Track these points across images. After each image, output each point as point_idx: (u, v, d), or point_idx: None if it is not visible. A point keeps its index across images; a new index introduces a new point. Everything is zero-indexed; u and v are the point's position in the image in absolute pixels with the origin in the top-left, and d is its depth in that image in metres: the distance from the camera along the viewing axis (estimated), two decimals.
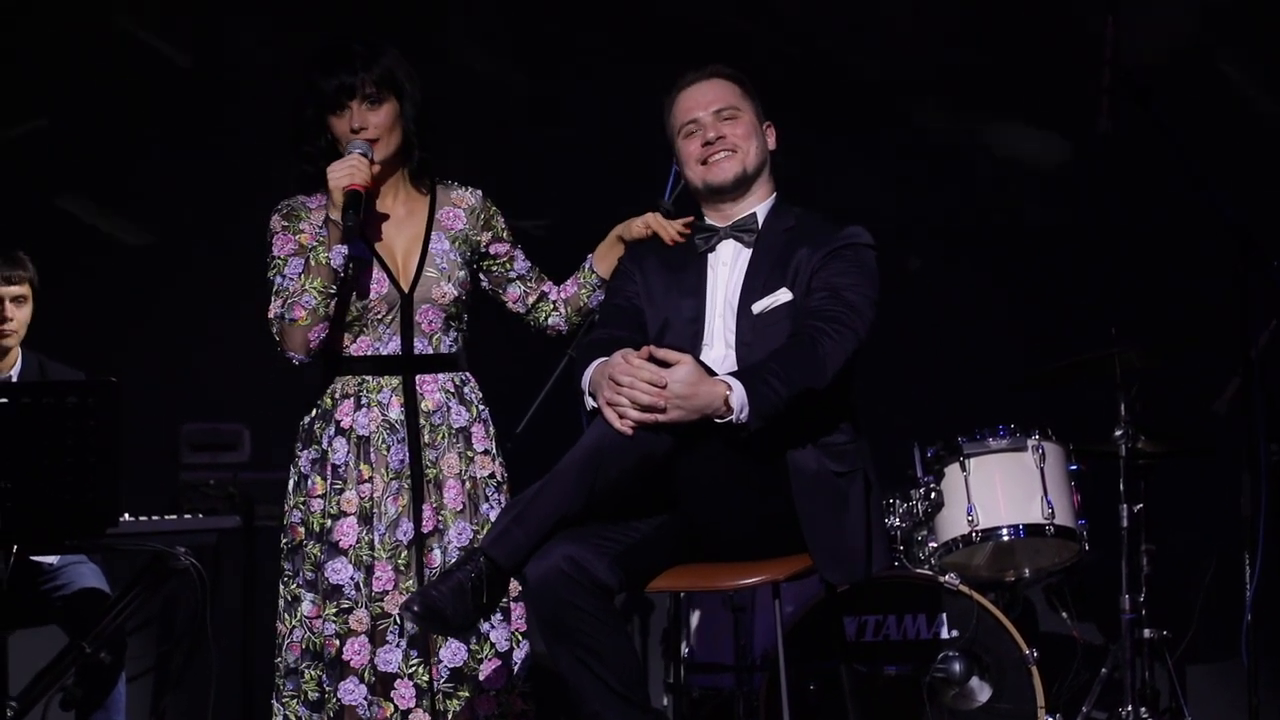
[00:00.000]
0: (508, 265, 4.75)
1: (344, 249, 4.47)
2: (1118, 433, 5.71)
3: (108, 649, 5.26)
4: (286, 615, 4.57)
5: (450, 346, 4.64)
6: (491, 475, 4.65)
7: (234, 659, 6.12)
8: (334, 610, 4.50)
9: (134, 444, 4.72)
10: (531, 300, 4.78)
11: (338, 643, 4.49)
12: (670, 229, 4.65)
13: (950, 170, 6.80)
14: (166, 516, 5.31)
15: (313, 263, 4.48)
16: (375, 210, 4.62)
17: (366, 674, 4.48)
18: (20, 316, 5.58)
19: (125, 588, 5.19)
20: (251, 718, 6.15)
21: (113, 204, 6.85)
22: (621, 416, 4.09)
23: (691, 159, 4.56)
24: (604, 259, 4.76)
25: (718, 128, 4.54)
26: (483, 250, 4.72)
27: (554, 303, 4.79)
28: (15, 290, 5.57)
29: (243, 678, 6.16)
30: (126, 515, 5.07)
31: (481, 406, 4.68)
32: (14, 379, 5.59)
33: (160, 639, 6.33)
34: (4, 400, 4.43)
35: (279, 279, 4.54)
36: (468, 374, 4.68)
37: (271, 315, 4.52)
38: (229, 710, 6.04)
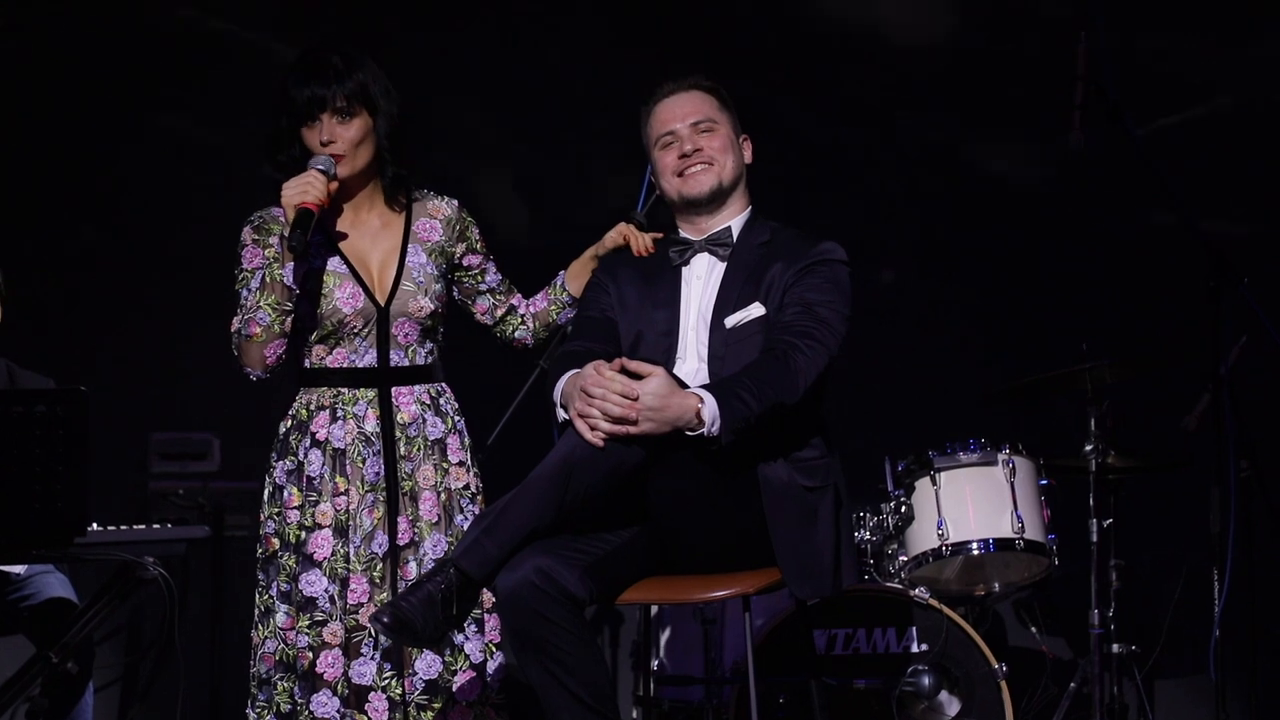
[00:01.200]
0: (479, 277, 4.75)
1: (291, 267, 4.44)
2: (1088, 448, 5.72)
3: (75, 659, 5.21)
4: (260, 625, 4.56)
5: (426, 358, 4.64)
6: (466, 487, 4.64)
7: (202, 669, 6.11)
8: (308, 622, 4.48)
9: (103, 453, 4.70)
10: (500, 313, 4.78)
11: (310, 655, 4.47)
12: (641, 240, 4.65)
13: (924, 185, 6.81)
14: (135, 526, 5.28)
15: (268, 279, 4.46)
16: (348, 221, 4.60)
17: (340, 686, 4.47)
18: None
19: (93, 598, 5.15)
20: None
21: (83, 212, 6.82)
22: (593, 428, 4.09)
23: (667, 171, 4.56)
24: (577, 277, 4.75)
25: (694, 140, 4.54)
26: (456, 261, 4.71)
27: (522, 316, 4.79)
28: None
29: (211, 688, 6.15)
30: (95, 525, 5.03)
31: (457, 418, 4.68)
32: None
33: (128, 649, 6.31)
34: None
35: (244, 293, 4.53)
36: (444, 385, 4.68)
37: (233, 329, 4.52)
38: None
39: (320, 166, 4.46)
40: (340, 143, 4.51)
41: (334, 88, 4.49)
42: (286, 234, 4.42)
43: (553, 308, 4.78)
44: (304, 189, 4.41)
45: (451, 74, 6.91)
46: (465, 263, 4.72)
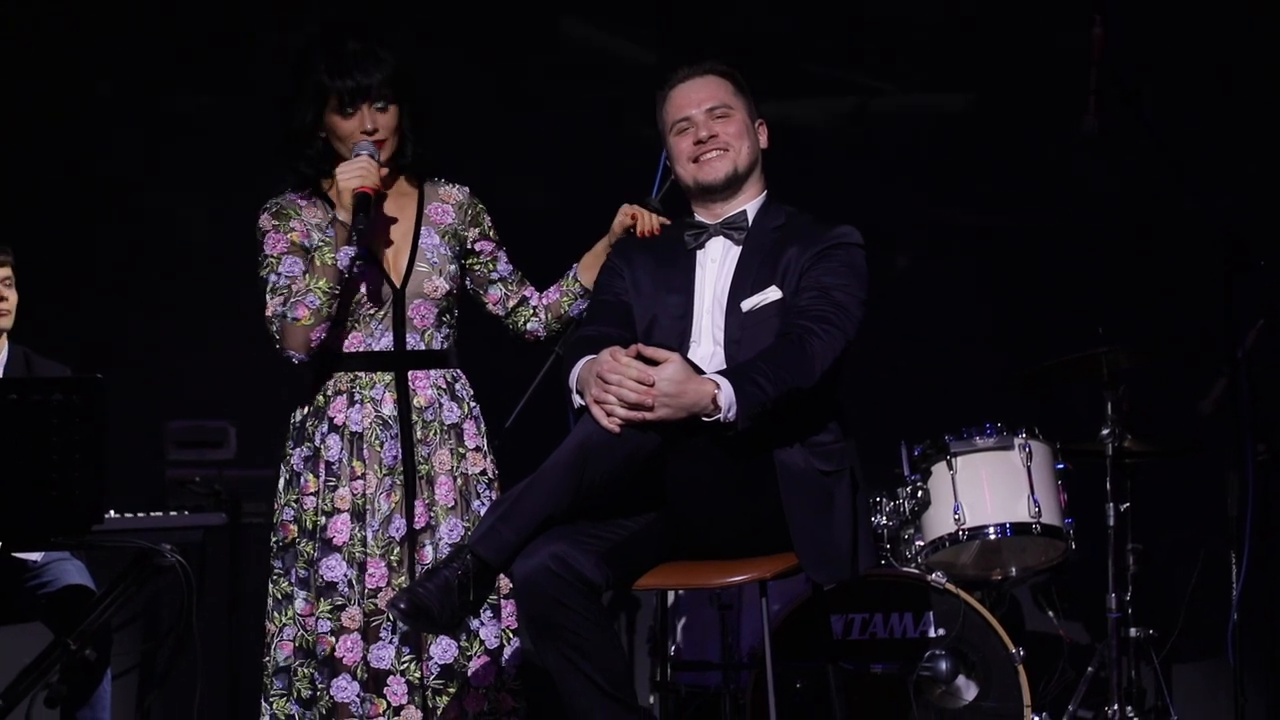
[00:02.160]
0: (491, 265, 4.75)
1: (350, 250, 4.47)
2: (1104, 432, 5.72)
3: (93, 646, 5.23)
4: (276, 614, 4.57)
5: (442, 343, 4.64)
6: (483, 472, 4.64)
7: (219, 656, 6.12)
8: (328, 607, 4.49)
9: (119, 441, 4.70)
10: (512, 304, 4.78)
11: (332, 640, 4.48)
12: (648, 221, 4.65)
13: (938, 169, 6.80)
14: (152, 514, 5.31)
15: (318, 263, 4.48)
16: (384, 212, 4.62)
17: (359, 671, 4.48)
18: (12, 298, 5.58)
19: (110, 585, 5.17)
20: (237, 714, 6.14)
21: (99, 200, 6.82)
22: (609, 414, 4.08)
23: (683, 157, 4.55)
24: (589, 269, 4.75)
25: (710, 126, 4.53)
26: (469, 246, 4.71)
27: (534, 308, 4.79)
28: (4, 272, 5.57)
29: (228, 674, 6.16)
30: (112, 512, 5.06)
31: (473, 404, 4.68)
32: None
33: (145, 636, 6.31)
34: None
35: (273, 277, 4.53)
36: (459, 371, 4.68)
37: (270, 314, 4.50)
38: (214, 707, 6.04)
39: (367, 151, 4.50)
40: (380, 130, 4.54)
41: (375, 76, 4.52)
42: (345, 219, 4.44)
43: (565, 299, 4.77)
44: (361, 174, 4.46)
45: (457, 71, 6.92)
46: (477, 248, 4.72)
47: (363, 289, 4.54)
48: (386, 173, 4.57)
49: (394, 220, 4.64)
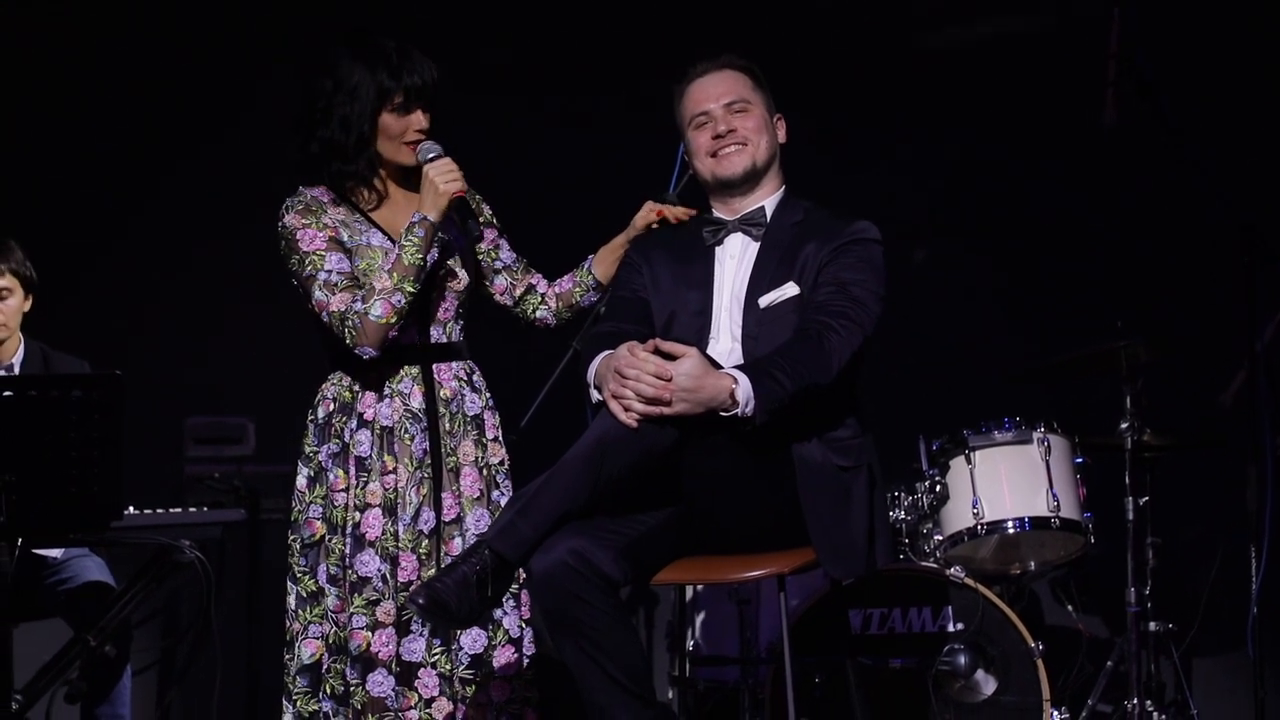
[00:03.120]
0: (494, 254, 4.75)
1: (435, 254, 4.53)
2: (1123, 425, 5.70)
3: (113, 642, 5.25)
4: (300, 611, 4.57)
5: (459, 335, 4.68)
6: (502, 462, 4.69)
7: (239, 652, 6.12)
8: (362, 603, 4.50)
9: (138, 437, 4.71)
10: (519, 292, 4.78)
11: (367, 635, 4.49)
12: (674, 211, 4.65)
13: (957, 163, 6.79)
14: (171, 510, 5.32)
15: (406, 262, 4.48)
16: (387, 201, 4.64)
17: (393, 665, 4.49)
18: (7, 310, 5.57)
19: (130, 581, 5.19)
20: (256, 711, 6.15)
21: (118, 197, 6.83)
22: (626, 409, 4.09)
23: (701, 151, 4.55)
24: (604, 262, 4.76)
25: (728, 120, 4.53)
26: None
27: (543, 295, 4.79)
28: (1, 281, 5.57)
29: (248, 670, 6.17)
30: (131, 509, 5.07)
31: (489, 395, 4.71)
32: (15, 369, 5.59)
33: (165, 632, 6.33)
34: (9, 393, 4.43)
35: (323, 274, 4.51)
36: (474, 363, 4.70)
37: (343, 309, 4.48)
38: (234, 703, 6.05)
39: (438, 152, 4.56)
40: (428, 129, 4.59)
41: (429, 78, 4.58)
42: (435, 219, 4.49)
43: (577, 290, 4.78)
44: (456, 176, 4.52)
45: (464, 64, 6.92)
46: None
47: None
48: None
49: (395, 209, 4.66)
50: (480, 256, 4.75)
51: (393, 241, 4.58)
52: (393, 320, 4.47)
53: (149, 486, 5.53)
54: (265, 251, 4.64)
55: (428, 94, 4.57)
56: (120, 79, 6.84)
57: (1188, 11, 6.54)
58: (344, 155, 4.57)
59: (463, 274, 4.63)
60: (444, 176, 4.50)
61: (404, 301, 4.47)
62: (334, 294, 4.49)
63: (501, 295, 4.79)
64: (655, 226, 4.71)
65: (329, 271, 4.51)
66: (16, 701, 4.83)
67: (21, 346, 5.66)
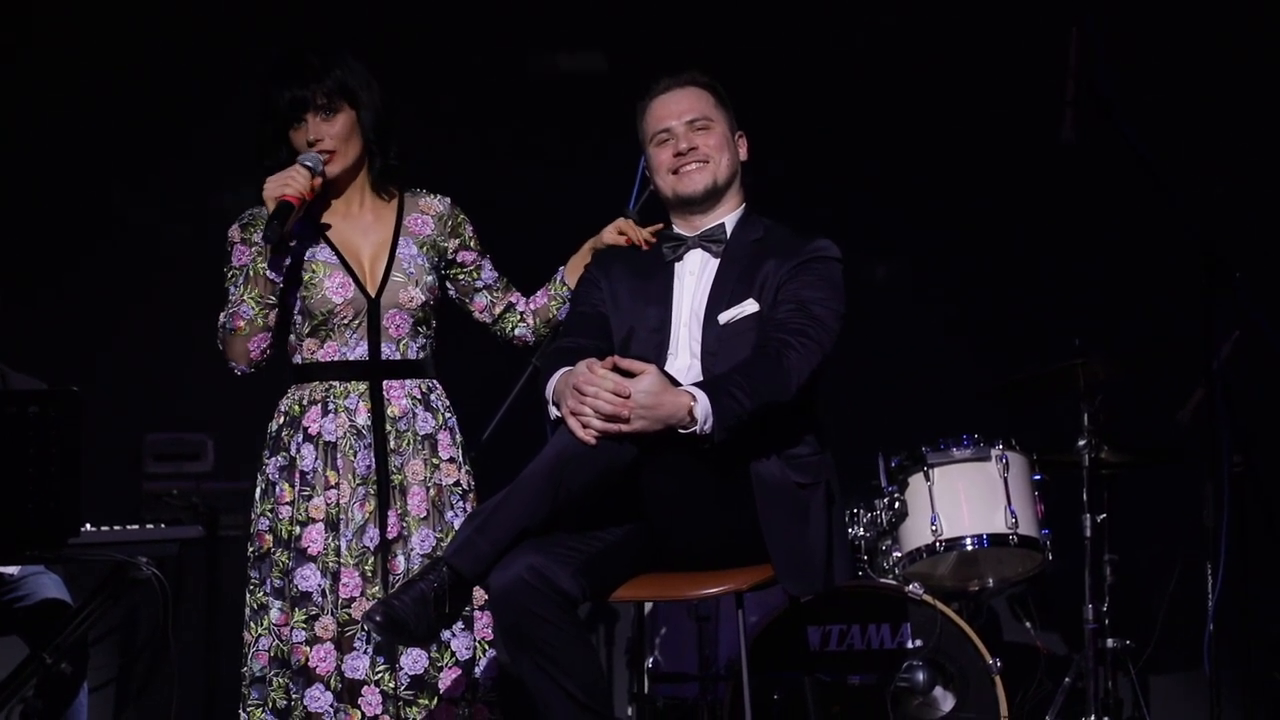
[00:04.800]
0: (475, 274, 4.75)
1: (278, 259, 4.48)
2: (1081, 443, 5.73)
3: (69, 660, 5.23)
4: (253, 624, 4.57)
5: (418, 353, 4.64)
6: (457, 483, 4.64)
7: (197, 669, 6.11)
8: (303, 618, 4.49)
9: (97, 454, 4.70)
10: (498, 310, 4.78)
11: (306, 650, 4.48)
12: (640, 234, 4.65)
13: (917, 181, 6.81)
14: (128, 526, 5.29)
15: (251, 273, 4.48)
16: (338, 214, 4.63)
17: (333, 681, 4.48)
18: None
19: (87, 598, 5.16)
20: None
21: (75, 214, 6.81)
22: (585, 426, 4.08)
23: (662, 168, 4.55)
24: (575, 271, 4.75)
25: (690, 138, 4.53)
26: (450, 257, 4.72)
27: (521, 313, 4.79)
28: None
29: (205, 687, 6.15)
30: (88, 525, 5.04)
31: (448, 414, 4.68)
32: None
33: (122, 649, 6.31)
34: None
35: (232, 289, 4.55)
36: (435, 381, 4.69)
37: (218, 324, 4.54)
38: (191, 719, 6.03)
39: (308, 163, 4.49)
40: (328, 140, 4.54)
41: (313, 86, 4.52)
42: (269, 222, 4.44)
43: (553, 303, 4.78)
44: (285, 183, 4.44)
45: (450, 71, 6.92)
46: (459, 259, 4.72)
47: (338, 298, 4.54)
48: (320, 184, 4.53)
49: (352, 223, 4.63)
50: (461, 276, 4.74)
51: (340, 257, 4.58)
52: (245, 332, 4.47)
53: (107, 503, 5.50)
54: (222, 267, 4.63)
55: (308, 105, 4.52)
56: (83, 96, 6.82)
57: (1148, 30, 6.58)
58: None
59: (415, 292, 4.61)
60: (270, 183, 4.46)
61: (253, 312, 4.47)
62: (224, 310, 4.52)
63: (481, 313, 4.79)
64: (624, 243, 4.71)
65: (236, 288, 4.53)
66: None
67: None
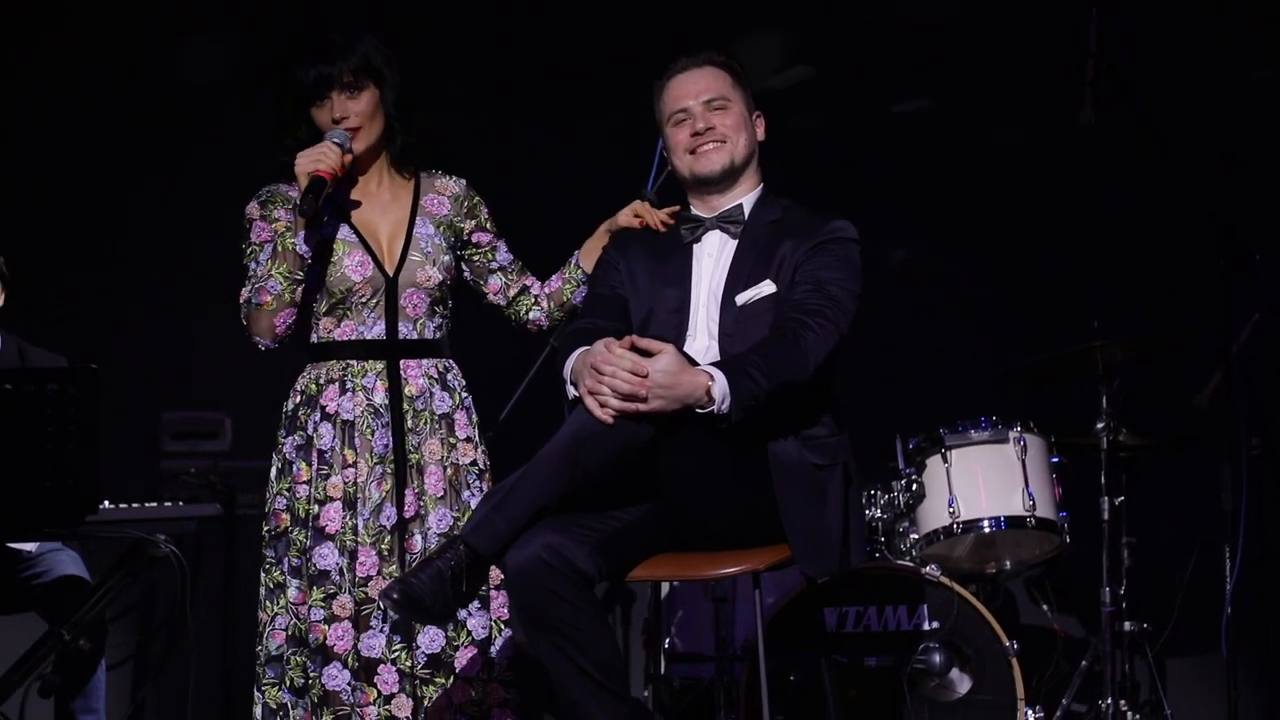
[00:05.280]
0: (490, 255, 4.75)
1: (307, 234, 4.48)
2: (1099, 425, 5.72)
3: (87, 636, 5.24)
4: (268, 603, 4.58)
5: (434, 333, 4.65)
6: (473, 463, 4.65)
7: (214, 647, 6.12)
8: (320, 596, 4.50)
9: (114, 432, 4.71)
10: (513, 293, 4.78)
11: (324, 628, 4.48)
12: (656, 216, 4.65)
13: (934, 162, 6.80)
14: (146, 504, 5.31)
15: (279, 248, 4.49)
16: (349, 197, 4.64)
17: (350, 659, 4.48)
18: None
19: (105, 575, 5.18)
20: (231, 705, 6.15)
21: (93, 190, 6.82)
22: (602, 405, 4.08)
23: (680, 148, 4.55)
24: (590, 255, 4.75)
25: (707, 118, 4.53)
26: (465, 238, 4.72)
27: (535, 297, 4.79)
28: None
29: (223, 665, 6.16)
30: (106, 503, 5.06)
31: (464, 394, 4.69)
32: None
33: (140, 627, 6.33)
34: None
35: (252, 265, 4.56)
36: (451, 361, 4.69)
37: (241, 299, 4.54)
38: (208, 698, 6.05)
39: (336, 140, 4.50)
40: (353, 116, 4.55)
41: (339, 64, 4.53)
42: (304, 196, 4.44)
43: (567, 287, 4.78)
44: (318, 157, 4.45)
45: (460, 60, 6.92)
46: (475, 240, 4.73)
47: (356, 276, 4.55)
48: (350, 159, 4.55)
49: (367, 203, 4.64)
50: (476, 257, 4.74)
51: (359, 236, 4.58)
52: (272, 307, 4.48)
53: (125, 481, 5.52)
54: (240, 245, 4.64)
55: (333, 82, 4.53)
56: (102, 77, 6.83)
57: (1167, 11, 6.56)
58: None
59: (433, 271, 4.61)
60: (302, 158, 4.47)
61: (280, 287, 4.47)
62: (247, 285, 4.53)
63: (495, 295, 4.79)
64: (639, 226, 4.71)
65: (256, 263, 4.54)
66: None
67: None
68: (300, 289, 4.50)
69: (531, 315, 4.80)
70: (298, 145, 4.53)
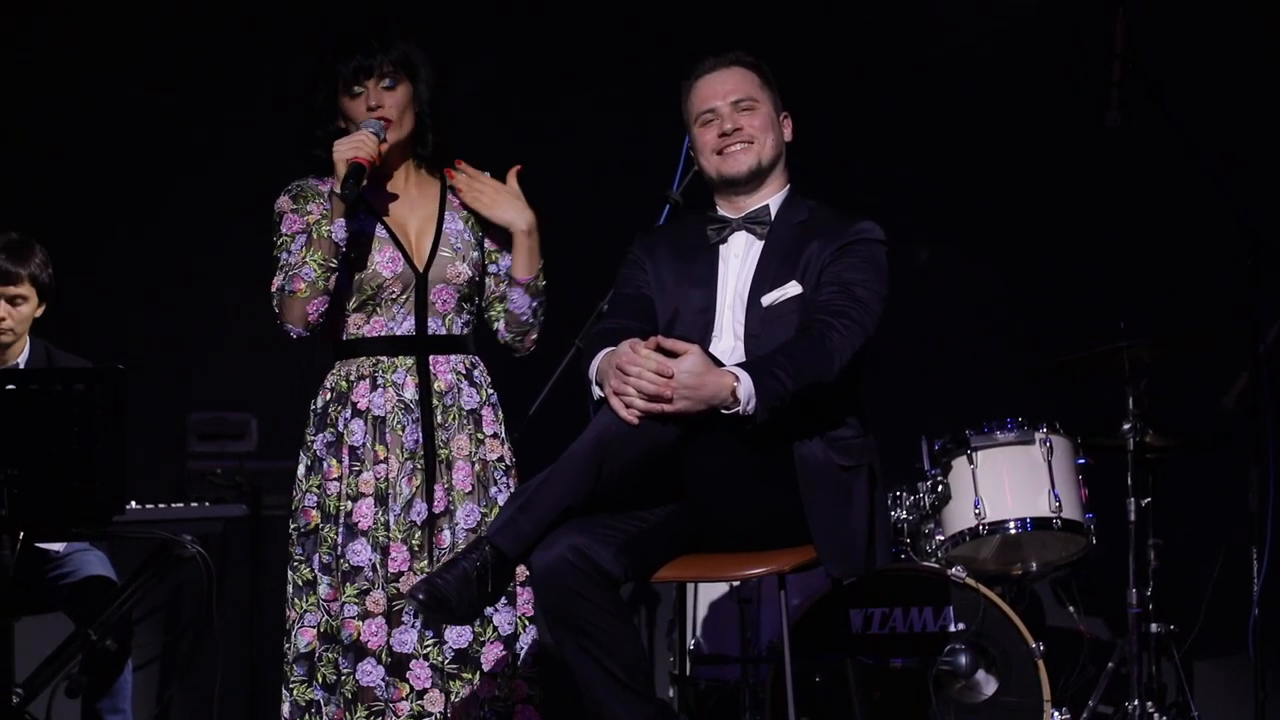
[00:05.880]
0: (493, 257, 4.74)
1: (344, 223, 4.50)
2: (1125, 427, 5.71)
3: (114, 637, 5.26)
4: (296, 600, 4.58)
5: (462, 329, 4.66)
6: (500, 459, 4.65)
7: (240, 647, 6.13)
8: (354, 592, 4.51)
9: (141, 432, 4.72)
10: (493, 298, 4.74)
11: (358, 624, 4.50)
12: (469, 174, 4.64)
13: (961, 162, 6.79)
14: (173, 505, 5.32)
15: (314, 235, 4.51)
16: (386, 190, 4.65)
17: (384, 655, 4.50)
18: (17, 315, 5.56)
19: (131, 575, 5.20)
20: (257, 706, 6.16)
21: (119, 192, 6.83)
22: (628, 406, 4.09)
23: (707, 148, 4.55)
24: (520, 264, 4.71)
25: (735, 119, 4.52)
26: (484, 234, 4.72)
27: (505, 310, 4.75)
28: (12, 290, 5.55)
29: (249, 666, 6.18)
30: (133, 503, 5.07)
31: (491, 390, 4.69)
32: (21, 367, 5.58)
33: (166, 627, 6.34)
34: (12, 387, 4.44)
35: (284, 255, 4.57)
36: (477, 357, 4.70)
37: (273, 289, 4.56)
38: (235, 698, 6.06)
39: (371, 129, 4.52)
40: (387, 108, 4.57)
41: (379, 56, 4.57)
42: (338, 189, 4.46)
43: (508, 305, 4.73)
44: (357, 145, 4.48)
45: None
46: (488, 238, 4.72)
47: (386, 272, 4.56)
48: (386, 149, 4.56)
49: (398, 197, 4.66)
50: (482, 255, 4.74)
51: (389, 232, 4.59)
52: (305, 294, 4.49)
53: (151, 481, 5.53)
54: (269, 246, 4.65)
55: (372, 72, 4.56)
56: (124, 74, 6.84)
57: (1193, 11, 6.54)
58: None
59: (462, 267, 4.62)
60: (340, 145, 4.49)
61: (315, 274, 4.49)
62: (278, 275, 4.55)
63: (487, 297, 4.78)
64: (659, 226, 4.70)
65: (288, 253, 4.56)
66: (17, 695, 4.84)
67: (27, 347, 5.65)
68: (334, 277, 4.51)
69: (496, 326, 4.76)
70: (329, 137, 4.56)
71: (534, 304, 4.69)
